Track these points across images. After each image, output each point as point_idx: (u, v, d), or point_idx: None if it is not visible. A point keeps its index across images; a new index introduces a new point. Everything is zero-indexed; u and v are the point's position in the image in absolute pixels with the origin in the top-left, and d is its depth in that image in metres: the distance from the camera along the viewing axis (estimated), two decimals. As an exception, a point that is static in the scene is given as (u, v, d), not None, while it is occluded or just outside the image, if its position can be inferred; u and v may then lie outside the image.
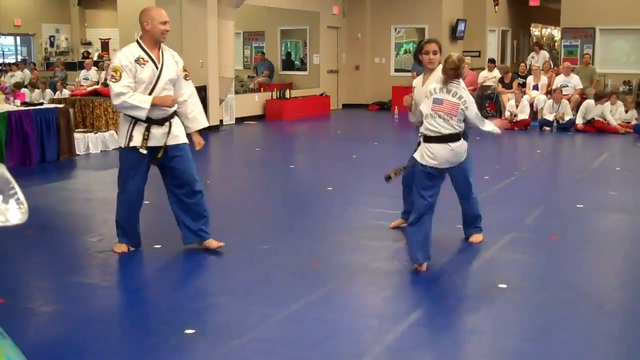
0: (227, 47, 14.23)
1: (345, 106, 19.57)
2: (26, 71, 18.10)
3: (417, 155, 5.21)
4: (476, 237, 5.94)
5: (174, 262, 5.49)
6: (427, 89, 5.24)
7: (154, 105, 5.15)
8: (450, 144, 5.04)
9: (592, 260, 5.64)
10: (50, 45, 23.69)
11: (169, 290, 4.94)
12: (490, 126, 5.33)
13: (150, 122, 5.22)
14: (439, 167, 5.08)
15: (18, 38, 23.32)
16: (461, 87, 5.13)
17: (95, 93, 12.74)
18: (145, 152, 5.24)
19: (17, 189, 1.73)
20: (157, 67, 5.22)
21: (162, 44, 5.32)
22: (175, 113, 5.38)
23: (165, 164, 5.37)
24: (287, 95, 17.06)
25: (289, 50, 19.98)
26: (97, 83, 16.37)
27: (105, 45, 24.26)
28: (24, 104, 10.85)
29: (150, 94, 5.19)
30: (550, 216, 7.00)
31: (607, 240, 6.26)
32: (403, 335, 4.03)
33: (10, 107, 10.13)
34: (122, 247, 5.57)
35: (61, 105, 10.98)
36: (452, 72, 5.07)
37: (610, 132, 13.56)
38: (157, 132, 5.26)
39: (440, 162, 5.06)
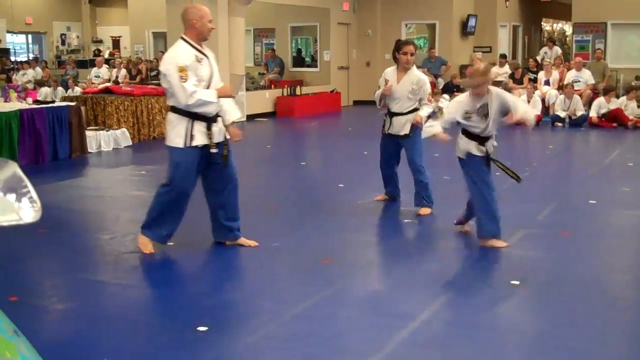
0: (238, 44, 14.24)
1: (356, 103, 19.56)
2: (38, 69, 18.19)
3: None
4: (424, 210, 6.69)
5: (186, 260, 5.50)
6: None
7: (218, 98, 5.20)
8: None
9: (604, 256, 5.61)
10: (62, 43, 23.80)
11: (181, 287, 4.95)
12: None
13: (209, 120, 5.23)
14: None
15: (30, 36, 23.44)
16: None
17: (106, 91, 12.78)
18: (216, 150, 5.25)
19: (30, 187, 1.74)
20: (210, 63, 5.25)
21: None
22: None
23: (214, 161, 5.35)
24: (298, 92, 17.06)
25: (299, 46, 19.98)
26: (109, 81, 16.44)
27: (116, 42, 24.36)
28: (36, 102, 10.90)
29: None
30: (563, 212, 6.97)
31: (619, 236, 6.23)
32: (415, 333, 4.02)
33: (23, 105, 10.19)
34: (149, 245, 5.50)
35: (73, 103, 11.02)
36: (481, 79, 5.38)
37: (625, 123, 13.50)
38: (215, 129, 5.27)
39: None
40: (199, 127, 5.20)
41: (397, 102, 6.69)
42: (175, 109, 5.24)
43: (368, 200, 7.34)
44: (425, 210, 6.66)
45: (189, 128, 5.19)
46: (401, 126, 6.70)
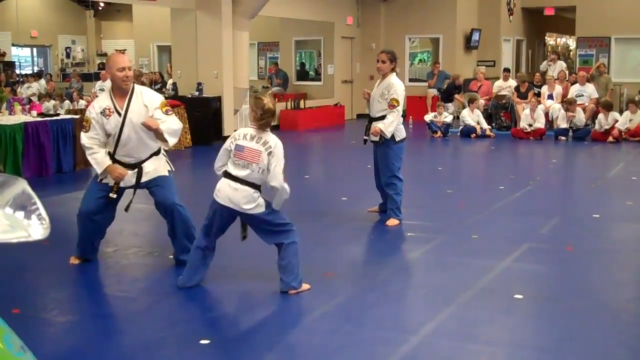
0: (242, 57, 14.29)
1: (359, 116, 19.55)
2: (42, 82, 18.22)
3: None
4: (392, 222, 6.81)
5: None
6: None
7: (105, 170, 5.26)
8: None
9: (608, 270, 5.60)
10: (67, 57, 23.88)
11: (183, 300, 4.95)
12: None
13: (122, 165, 5.30)
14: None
15: (34, 49, 23.52)
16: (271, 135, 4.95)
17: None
18: (114, 196, 5.33)
19: (39, 204, 1.75)
20: (119, 116, 5.18)
21: (136, 88, 5.24)
22: (151, 156, 5.37)
23: (149, 192, 5.43)
24: (302, 106, 17.09)
25: (303, 60, 20.03)
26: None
27: (120, 56, 24.40)
28: (40, 114, 10.93)
29: (117, 143, 5.22)
30: (566, 226, 6.97)
31: (623, 250, 6.21)
32: (418, 347, 4.01)
33: (27, 118, 10.21)
34: (74, 260, 5.65)
35: (77, 116, 11.04)
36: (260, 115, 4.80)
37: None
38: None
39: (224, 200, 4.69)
40: None
41: (372, 106, 6.98)
42: None
43: (370, 213, 7.34)
44: (392, 222, 6.80)
45: None
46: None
